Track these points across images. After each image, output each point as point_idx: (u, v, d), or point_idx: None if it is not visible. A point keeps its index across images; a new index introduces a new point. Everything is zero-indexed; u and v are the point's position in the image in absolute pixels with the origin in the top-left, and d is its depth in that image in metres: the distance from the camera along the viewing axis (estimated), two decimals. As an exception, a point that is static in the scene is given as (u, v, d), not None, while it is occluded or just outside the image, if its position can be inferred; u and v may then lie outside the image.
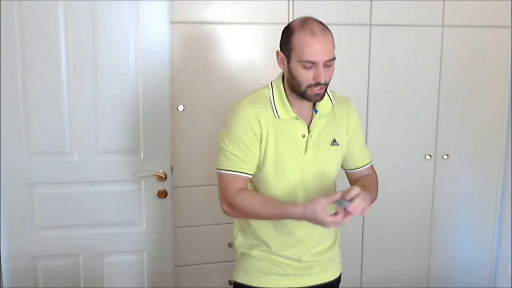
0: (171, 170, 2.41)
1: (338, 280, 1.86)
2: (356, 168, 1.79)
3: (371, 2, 2.61)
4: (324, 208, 1.47)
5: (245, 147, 1.60)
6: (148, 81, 2.31)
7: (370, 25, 2.63)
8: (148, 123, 2.34)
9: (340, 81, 2.65)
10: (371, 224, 2.82)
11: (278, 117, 1.62)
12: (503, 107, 2.86)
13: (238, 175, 1.62)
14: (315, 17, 2.59)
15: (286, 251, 1.70)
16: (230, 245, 2.59)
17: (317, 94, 1.56)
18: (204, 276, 2.64)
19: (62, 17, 2.19)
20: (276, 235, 1.69)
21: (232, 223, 1.83)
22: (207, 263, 2.63)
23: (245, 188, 1.65)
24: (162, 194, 2.40)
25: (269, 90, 1.65)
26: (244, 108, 1.61)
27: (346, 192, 1.50)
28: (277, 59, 1.62)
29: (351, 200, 1.47)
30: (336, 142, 1.68)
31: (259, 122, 1.60)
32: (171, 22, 2.35)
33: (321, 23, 1.57)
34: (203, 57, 2.48)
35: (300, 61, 1.53)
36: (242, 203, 1.61)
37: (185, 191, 2.54)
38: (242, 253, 1.76)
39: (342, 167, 1.80)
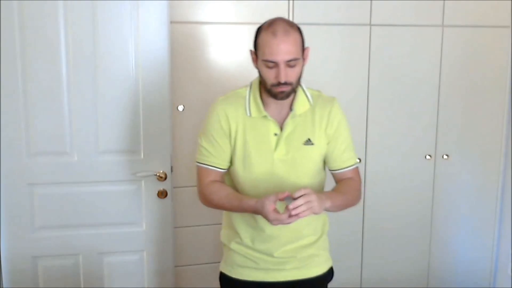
0: (171, 170, 2.41)
1: (324, 277, 1.86)
2: (337, 170, 1.79)
3: (371, 2, 2.61)
4: (272, 204, 1.52)
5: (215, 142, 1.71)
6: (148, 81, 2.31)
7: (370, 25, 2.63)
8: (148, 123, 2.34)
9: (340, 81, 2.66)
10: (371, 224, 2.82)
11: (250, 115, 1.68)
12: (503, 107, 2.86)
13: (209, 168, 1.73)
14: (315, 17, 2.59)
15: (258, 245, 1.76)
16: (230, 245, 2.59)
17: (281, 92, 1.60)
18: (204, 276, 2.64)
19: (62, 17, 2.19)
20: (248, 228, 1.76)
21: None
22: (207, 263, 2.63)
23: (218, 181, 1.74)
24: (162, 194, 2.40)
25: (247, 89, 1.72)
26: (215, 105, 1.72)
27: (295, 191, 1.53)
28: (251, 57, 1.68)
29: (296, 199, 1.50)
30: (310, 141, 1.70)
31: (228, 119, 1.69)
32: (171, 22, 2.35)
33: (289, 23, 1.61)
34: (203, 57, 2.48)
35: (262, 60, 1.59)
36: (211, 194, 1.72)
37: (185, 191, 2.54)
38: (224, 244, 1.86)
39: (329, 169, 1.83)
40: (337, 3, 2.57)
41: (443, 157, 2.84)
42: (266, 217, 1.54)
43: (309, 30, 2.54)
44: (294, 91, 1.65)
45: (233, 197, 1.67)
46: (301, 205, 1.48)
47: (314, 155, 1.72)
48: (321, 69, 2.62)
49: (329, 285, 2.81)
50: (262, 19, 2.58)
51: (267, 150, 1.68)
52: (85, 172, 2.32)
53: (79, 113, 2.27)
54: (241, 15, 2.49)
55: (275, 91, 1.60)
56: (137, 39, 2.27)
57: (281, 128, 1.68)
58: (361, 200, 2.75)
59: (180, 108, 2.47)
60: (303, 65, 1.63)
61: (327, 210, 1.63)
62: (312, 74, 2.60)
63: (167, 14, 2.29)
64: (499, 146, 2.90)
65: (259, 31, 1.63)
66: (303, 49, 1.63)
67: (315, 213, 1.53)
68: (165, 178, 2.38)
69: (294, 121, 1.69)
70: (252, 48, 1.66)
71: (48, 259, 2.37)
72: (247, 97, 1.70)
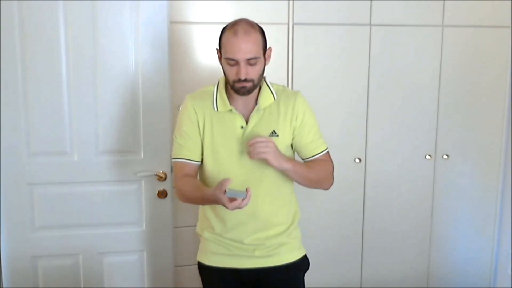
0: (171, 170, 2.41)
1: (298, 265, 1.90)
2: (307, 158, 1.87)
3: (371, 2, 2.61)
4: (222, 191, 1.56)
5: (186, 135, 1.81)
6: (148, 81, 2.31)
7: (370, 25, 2.63)
8: (148, 123, 2.34)
9: (340, 81, 2.66)
10: (371, 224, 2.82)
11: (217, 109, 1.79)
12: (503, 107, 2.86)
13: (182, 161, 1.82)
14: (315, 17, 2.59)
15: (228, 232, 1.84)
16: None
17: (243, 87, 1.71)
18: (204, 276, 2.64)
19: (62, 17, 2.20)
20: (219, 217, 1.84)
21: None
22: (207, 263, 2.63)
23: (190, 175, 1.81)
24: (162, 194, 2.40)
25: (214, 86, 1.84)
26: (185, 102, 1.85)
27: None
28: (217, 55, 1.80)
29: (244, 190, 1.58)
30: (275, 133, 1.80)
31: (196, 113, 1.81)
32: (171, 22, 2.35)
33: (251, 24, 1.72)
34: (203, 57, 2.48)
35: (225, 58, 1.72)
36: (182, 187, 1.80)
37: (185, 191, 2.54)
38: (199, 234, 1.95)
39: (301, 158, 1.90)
40: (337, 3, 2.57)
41: (443, 157, 2.84)
42: (222, 204, 1.59)
43: (309, 30, 2.57)
44: (255, 87, 1.75)
45: (199, 190, 1.75)
46: (261, 142, 1.63)
47: (279, 146, 1.79)
48: (321, 69, 2.61)
49: (329, 285, 2.82)
50: (262, 19, 2.58)
51: (233, 142, 1.78)
52: (85, 172, 2.32)
53: (79, 113, 2.27)
54: (241, 16, 2.47)
55: (236, 86, 1.72)
56: (137, 39, 2.27)
57: (247, 122, 1.79)
58: (361, 200, 2.78)
59: (180, 108, 2.47)
60: (265, 64, 1.75)
61: (287, 173, 1.73)
62: (312, 74, 2.62)
63: (167, 14, 2.29)
64: (499, 146, 2.90)
65: (223, 31, 1.74)
66: (265, 49, 1.74)
67: (270, 161, 1.65)
68: (165, 178, 2.38)
69: (259, 114, 1.79)
70: (217, 46, 1.77)
71: (48, 259, 2.37)
72: (214, 93, 1.82)
